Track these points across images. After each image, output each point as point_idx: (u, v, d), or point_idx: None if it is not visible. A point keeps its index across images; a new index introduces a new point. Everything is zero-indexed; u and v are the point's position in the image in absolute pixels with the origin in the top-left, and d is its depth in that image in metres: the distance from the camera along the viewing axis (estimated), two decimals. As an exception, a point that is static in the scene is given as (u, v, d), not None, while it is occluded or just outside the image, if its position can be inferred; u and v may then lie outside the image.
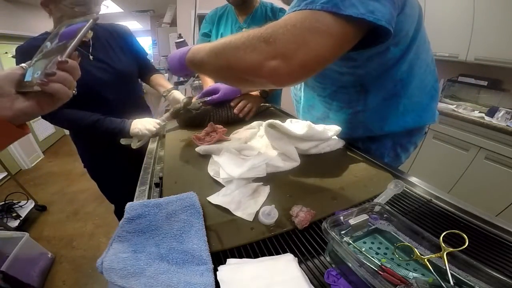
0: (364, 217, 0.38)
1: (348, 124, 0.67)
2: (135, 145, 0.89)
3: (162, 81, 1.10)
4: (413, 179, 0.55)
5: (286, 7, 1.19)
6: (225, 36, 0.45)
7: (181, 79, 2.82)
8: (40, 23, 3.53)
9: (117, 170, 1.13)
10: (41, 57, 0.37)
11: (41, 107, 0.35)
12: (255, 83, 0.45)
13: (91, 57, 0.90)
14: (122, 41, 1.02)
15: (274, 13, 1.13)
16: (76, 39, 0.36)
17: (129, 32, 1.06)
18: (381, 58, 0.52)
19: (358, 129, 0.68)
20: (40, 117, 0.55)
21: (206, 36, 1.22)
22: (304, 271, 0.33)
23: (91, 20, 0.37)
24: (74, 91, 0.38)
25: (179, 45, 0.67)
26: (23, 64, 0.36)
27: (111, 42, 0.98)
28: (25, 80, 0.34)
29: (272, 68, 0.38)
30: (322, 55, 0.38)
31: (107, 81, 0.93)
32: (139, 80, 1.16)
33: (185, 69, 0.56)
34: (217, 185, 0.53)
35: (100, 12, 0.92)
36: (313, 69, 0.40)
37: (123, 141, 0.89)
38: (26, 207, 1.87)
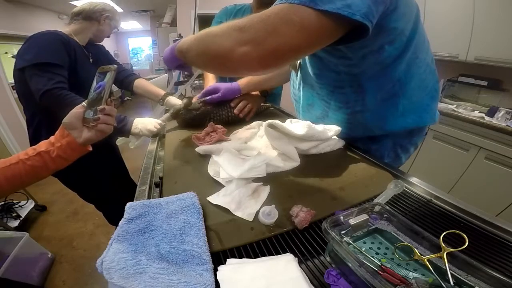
0: (364, 217, 0.38)
1: (347, 124, 0.67)
2: (133, 145, 0.89)
3: (150, 87, 1.13)
4: (413, 179, 0.55)
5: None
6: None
7: (181, 79, 2.82)
8: (40, 23, 3.53)
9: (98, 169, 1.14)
10: (91, 100, 0.52)
11: (97, 136, 0.53)
12: (229, 68, 0.47)
13: (91, 60, 1.03)
14: (104, 54, 1.16)
15: None
16: (107, 89, 0.52)
17: (106, 49, 1.22)
18: (376, 57, 0.52)
19: (358, 129, 0.67)
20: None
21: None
22: (304, 271, 0.33)
23: (113, 72, 0.52)
24: (114, 124, 0.56)
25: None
26: (83, 103, 0.52)
27: (100, 53, 1.13)
28: (85, 116, 0.51)
29: (242, 53, 0.40)
30: (294, 44, 0.39)
31: None
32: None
33: (175, 60, 0.58)
34: (217, 185, 0.53)
35: None
36: (284, 57, 0.42)
37: (119, 142, 0.89)
38: (26, 207, 1.87)
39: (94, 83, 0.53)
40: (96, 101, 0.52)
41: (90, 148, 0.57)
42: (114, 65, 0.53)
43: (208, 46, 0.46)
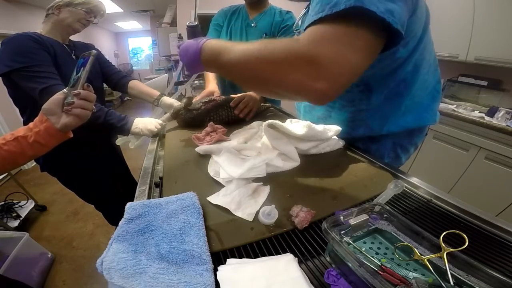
0: (364, 217, 0.38)
1: (349, 123, 0.67)
2: (133, 145, 0.89)
3: (145, 88, 1.12)
4: (413, 179, 0.55)
5: (291, 8, 1.21)
6: (254, 42, 0.42)
7: (181, 79, 2.82)
8: (40, 23, 3.52)
9: (96, 168, 1.13)
10: (70, 85, 0.52)
11: (75, 121, 0.52)
12: (290, 98, 0.45)
13: (73, 56, 0.99)
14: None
15: (282, 15, 1.19)
16: (84, 74, 0.51)
17: (97, 48, 1.15)
18: (390, 59, 0.53)
19: (359, 129, 0.68)
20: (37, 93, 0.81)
21: (218, 27, 1.28)
22: (304, 271, 0.33)
23: (91, 57, 0.51)
24: (93, 109, 0.55)
25: (191, 30, 0.56)
26: (64, 90, 0.52)
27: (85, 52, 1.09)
28: (66, 101, 0.51)
29: (318, 89, 0.37)
30: (360, 71, 0.39)
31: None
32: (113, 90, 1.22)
33: (198, 66, 0.51)
34: (217, 185, 0.53)
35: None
36: (349, 84, 0.40)
37: (119, 141, 0.89)
38: (26, 207, 1.87)
39: (75, 71, 0.53)
40: (75, 84, 0.52)
41: (71, 135, 0.56)
42: (94, 51, 0.52)
43: (267, 75, 0.41)
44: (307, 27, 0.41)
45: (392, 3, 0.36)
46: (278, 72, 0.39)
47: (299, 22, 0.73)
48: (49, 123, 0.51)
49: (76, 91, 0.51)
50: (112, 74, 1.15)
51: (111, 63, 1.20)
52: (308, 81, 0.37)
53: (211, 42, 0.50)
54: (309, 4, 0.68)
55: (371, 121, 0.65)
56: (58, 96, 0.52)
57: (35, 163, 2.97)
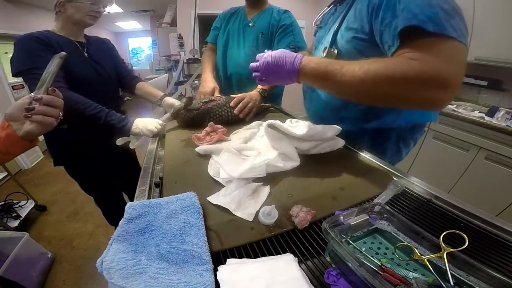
0: (364, 217, 0.38)
1: (363, 116, 0.70)
2: (133, 145, 0.89)
3: (150, 89, 1.14)
4: (413, 179, 0.55)
5: (290, 7, 1.22)
6: (374, 62, 0.48)
7: (181, 79, 2.82)
8: (40, 23, 3.53)
9: (100, 167, 1.15)
10: (37, 89, 0.46)
11: (38, 129, 0.46)
12: (405, 107, 0.59)
13: (86, 54, 0.98)
14: (108, 50, 1.13)
15: (280, 15, 1.20)
16: (49, 76, 0.46)
17: (112, 44, 1.18)
18: None
19: (371, 122, 0.70)
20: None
21: (216, 30, 1.34)
22: (304, 271, 0.33)
23: (59, 59, 0.46)
24: (59, 116, 0.49)
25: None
26: (31, 94, 0.46)
27: (102, 48, 1.10)
28: (25, 107, 0.45)
29: (444, 100, 0.45)
30: None
31: (97, 80, 0.99)
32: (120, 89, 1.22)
33: (291, 81, 0.61)
34: (217, 185, 0.53)
35: None
36: None
37: (119, 142, 0.89)
38: (26, 207, 1.87)
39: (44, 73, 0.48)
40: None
41: (37, 143, 0.51)
42: (63, 52, 0.48)
43: (401, 96, 0.47)
44: (400, 30, 0.46)
45: (464, 27, 0.44)
46: (414, 95, 0.46)
47: (317, 21, 0.80)
48: (11, 130, 0.46)
49: (37, 96, 0.45)
50: (125, 76, 1.17)
51: (125, 63, 1.21)
52: (441, 98, 0.45)
53: (311, 62, 0.57)
54: (334, 2, 0.71)
55: (386, 115, 0.68)
56: (23, 100, 0.46)
57: (36, 162, 2.99)
